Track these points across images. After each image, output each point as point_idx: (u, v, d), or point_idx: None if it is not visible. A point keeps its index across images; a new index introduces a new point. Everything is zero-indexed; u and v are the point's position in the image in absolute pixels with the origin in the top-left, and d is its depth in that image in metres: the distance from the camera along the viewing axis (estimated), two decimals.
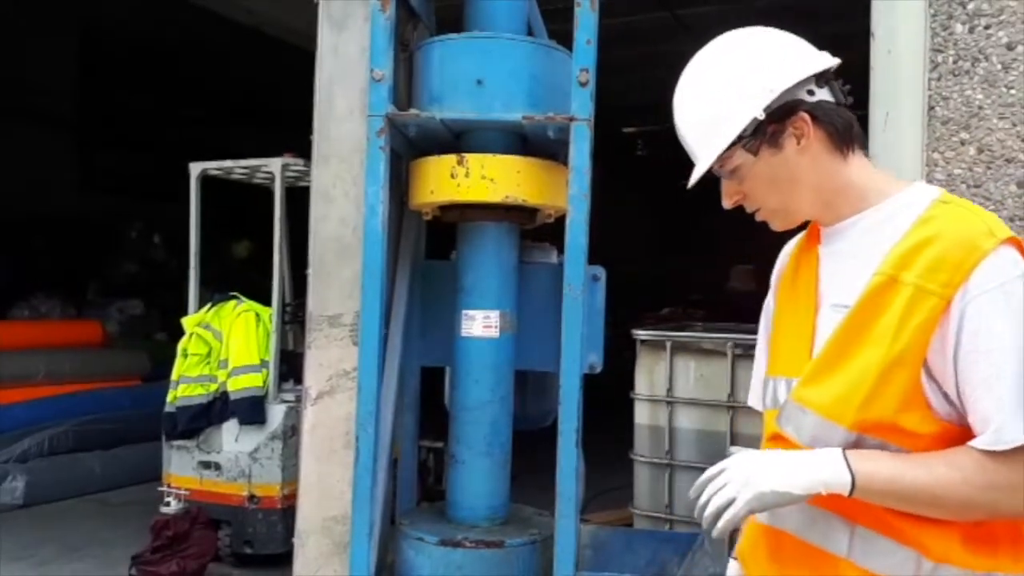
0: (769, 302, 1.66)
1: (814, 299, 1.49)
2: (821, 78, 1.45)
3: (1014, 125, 2.50)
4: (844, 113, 1.47)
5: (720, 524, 1.34)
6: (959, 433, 1.30)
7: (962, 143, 2.54)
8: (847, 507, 1.36)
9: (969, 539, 1.32)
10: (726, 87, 1.45)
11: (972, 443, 1.27)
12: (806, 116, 1.43)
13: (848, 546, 1.38)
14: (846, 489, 1.30)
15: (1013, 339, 1.26)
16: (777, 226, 1.55)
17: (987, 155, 2.52)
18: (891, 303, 1.32)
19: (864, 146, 1.50)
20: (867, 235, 1.42)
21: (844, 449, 1.33)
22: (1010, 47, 2.52)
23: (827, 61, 1.47)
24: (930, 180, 2.55)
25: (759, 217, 1.55)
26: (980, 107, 2.53)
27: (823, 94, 1.45)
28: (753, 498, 1.32)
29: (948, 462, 1.28)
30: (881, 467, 1.30)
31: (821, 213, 1.51)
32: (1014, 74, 2.51)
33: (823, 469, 1.31)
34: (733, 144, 1.44)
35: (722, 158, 1.46)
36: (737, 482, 1.34)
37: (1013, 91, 2.51)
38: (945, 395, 1.31)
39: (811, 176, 1.45)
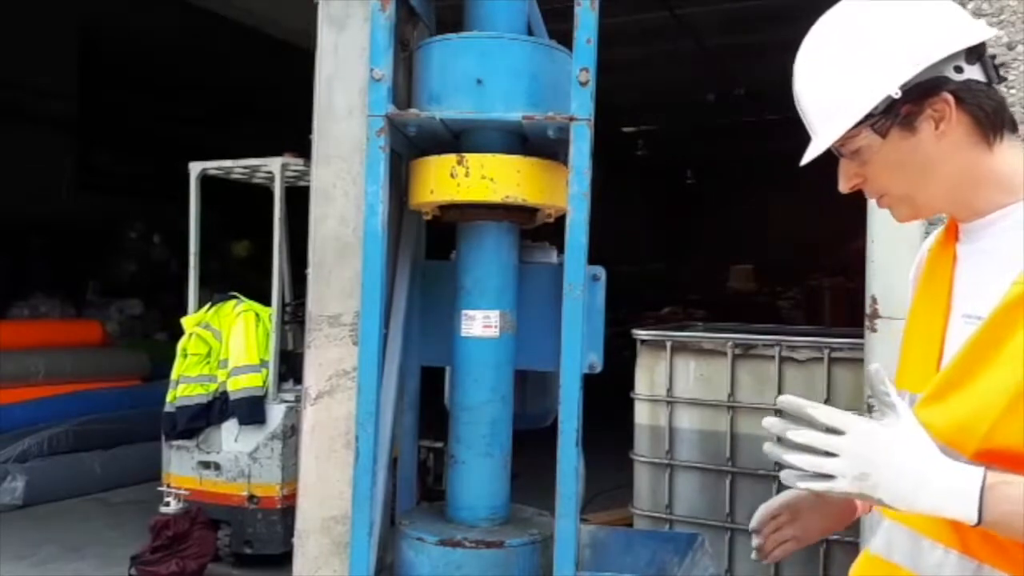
0: (909, 303, 1.48)
1: (946, 306, 1.32)
2: (972, 53, 1.24)
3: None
4: (994, 94, 1.26)
5: (804, 484, 1.17)
6: None
7: None
8: (971, 545, 1.22)
9: None
10: (859, 55, 1.25)
11: None
12: (949, 98, 1.22)
13: None
14: (969, 523, 1.13)
15: None
16: (902, 217, 1.36)
17: None
18: None
19: (1015, 130, 1.29)
20: (1011, 234, 1.24)
21: (986, 474, 1.12)
22: (1010, 46, 2.52)
23: (982, 32, 1.26)
24: None
25: (882, 205, 1.36)
26: None
27: (973, 72, 1.24)
28: (856, 494, 1.15)
29: None
30: (1019, 507, 1.11)
31: (956, 208, 1.31)
32: (1014, 73, 2.51)
33: (949, 505, 1.13)
34: (860, 123, 1.25)
35: (845, 136, 1.27)
36: (850, 463, 1.14)
37: (1013, 91, 2.51)
38: None
39: (947, 166, 1.26)
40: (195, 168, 5.62)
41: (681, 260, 16.02)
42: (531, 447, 2.91)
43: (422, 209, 2.52)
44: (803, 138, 1.43)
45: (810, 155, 1.31)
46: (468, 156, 2.29)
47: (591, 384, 2.33)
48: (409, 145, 2.48)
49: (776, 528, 1.58)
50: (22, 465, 6.40)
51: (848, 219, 2.75)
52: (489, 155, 2.31)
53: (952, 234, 1.36)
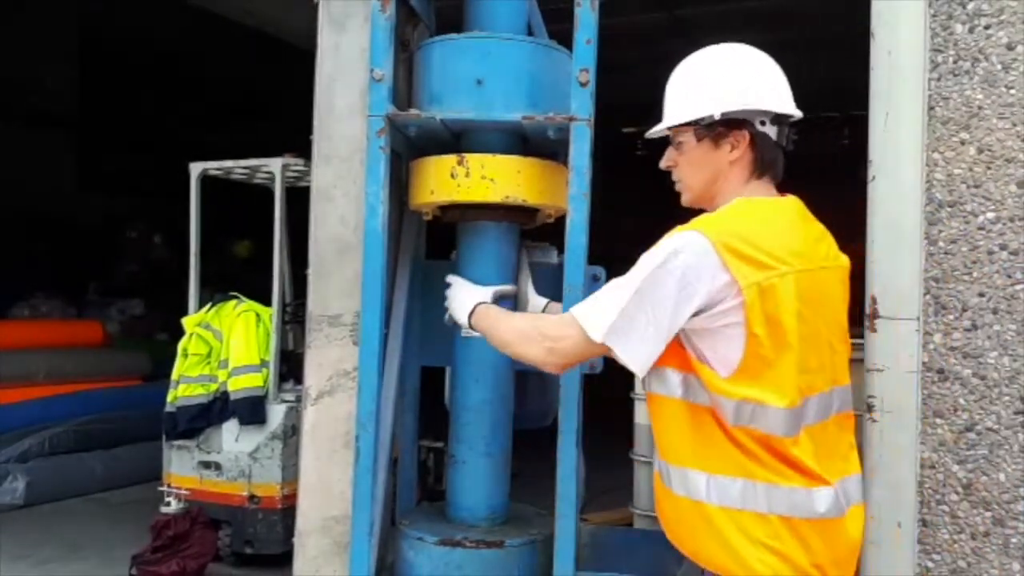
0: None
1: None
2: (777, 119, 1.80)
3: (1014, 125, 2.50)
4: (774, 152, 1.83)
5: (447, 318, 2.32)
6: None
7: (962, 143, 2.54)
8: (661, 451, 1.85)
9: (672, 445, 1.79)
10: (709, 80, 1.81)
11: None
12: (747, 135, 1.79)
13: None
14: (465, 324, 2.17)
15: (631, 273, 1.72)
16: (685, 201, 1.93)
17: (987, 155, 2.52)
18: None
19: (775, 179, 1.86)
20: None
21: (487, 302, 2.18)
22: (1010, 47, 2.52)
23: (786, 107, 1.81)
24: (930, 180, 2.56)
25: (677, 188, 1.92)
26: (980, 107, 2.53)
27: (769, 130, 1.79)
28: (454, 317, 2.25)
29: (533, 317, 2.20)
30: (488, 319, 2.07)
31: (702, 203, 1.89)
32: (1014, 74, 2.51)
33: (461, 315, 2.18)
34: (688, 124, 1.81)
35: (676, 128, 1.84)
36: (450, 300, 2.27)
37: (1013, 91, 2.51)
38: None
39: (723, 179, 1.83)
40: (195, 168, 5.62)
41: None
42: (531, 447, 2.91)
43: (422, 209, 2.52)
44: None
45: (653, 132, 1.91)
46: (468, 156, 2.30)
47: (591, 384, 2.33)
48: (409, 145, 2.48)
49: None
50: (23, 465, 6.40)
51: (848, 219, 2.75)
52: (489, 155, 2.31)
53: None
